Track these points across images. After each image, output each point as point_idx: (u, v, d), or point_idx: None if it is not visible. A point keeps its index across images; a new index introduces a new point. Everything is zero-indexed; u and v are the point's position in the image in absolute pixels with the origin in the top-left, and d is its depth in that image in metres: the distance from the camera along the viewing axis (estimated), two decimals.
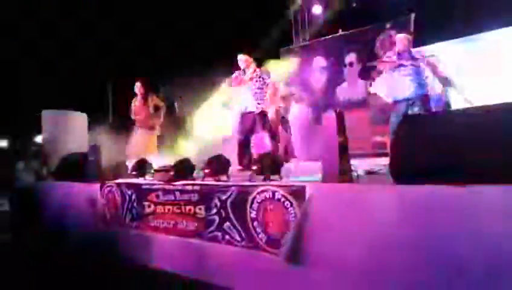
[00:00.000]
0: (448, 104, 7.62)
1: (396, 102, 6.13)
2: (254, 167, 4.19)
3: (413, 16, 9.72)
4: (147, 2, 12.63)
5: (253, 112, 6.80)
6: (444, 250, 2.49)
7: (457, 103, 7.48)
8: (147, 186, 4.73)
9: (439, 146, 2.61)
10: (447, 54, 8.12)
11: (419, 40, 9.08)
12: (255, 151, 6.80)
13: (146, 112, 8.24)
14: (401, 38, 6.31)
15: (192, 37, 12.71)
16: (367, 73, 10.25)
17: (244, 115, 6.90)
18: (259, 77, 6.88)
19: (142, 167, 5.60)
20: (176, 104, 11.50)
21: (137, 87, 8.25)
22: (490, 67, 7.63)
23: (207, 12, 12.79)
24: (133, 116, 8.39)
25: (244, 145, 6.86)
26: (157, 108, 8.33)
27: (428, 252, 2.56)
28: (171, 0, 12.54)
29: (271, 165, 4.11)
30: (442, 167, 2.51)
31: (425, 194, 2.60)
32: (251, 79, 6.79)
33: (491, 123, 2.50)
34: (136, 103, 8.33)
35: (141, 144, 8.03)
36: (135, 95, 8.31)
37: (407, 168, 2.76)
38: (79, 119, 8.52)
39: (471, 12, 8.05)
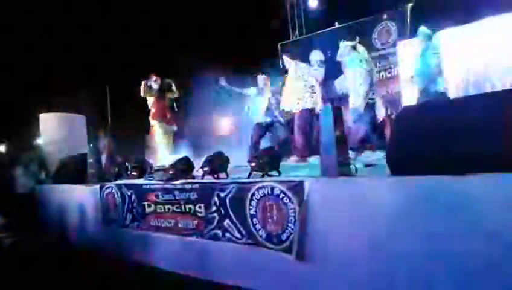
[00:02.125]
0: None
1: None
2: (253, 163, 4.17)
3: (410, 6, 9.67)
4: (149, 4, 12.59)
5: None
6: (445, 240, 2.48)
7: None
8: (147, 187, 4.72)
9: (435, 136, 2.59)
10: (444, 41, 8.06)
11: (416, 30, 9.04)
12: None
13: (163, 105, 7.69)
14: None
15: (190, 36, 12.65)
16: None
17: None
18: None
19: (141, 167, 5.59)
20: (174, 103, 11.47)
21: (153, 80, 7.66)
22: (488, 53, 7.53)
23: (203, 11, 12.73)
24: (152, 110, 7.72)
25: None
26: (171, 101, 7.82)
27: (429, 242, 2.55)
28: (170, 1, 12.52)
29: (270, 161, 4.09)
30: (439, 157, 2.50)
31: (423, 185, 2.59)
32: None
33: (488, 111, 2.48)
34: (152, 97, 7.69)
35: (161, 139, 7.54)
36: (150, 88, 7.65)
37: (403, 160, 2.74)
38: (78, 122, 8.52)
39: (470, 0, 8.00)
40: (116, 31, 12.69)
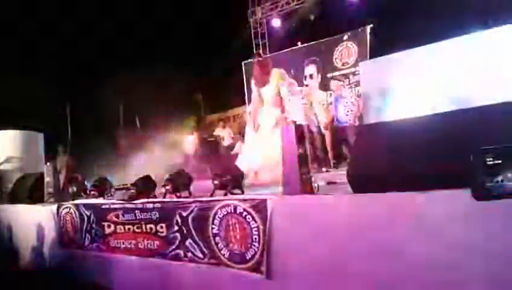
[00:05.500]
0: None
1: None
2: (216, 182, 4.13)
3: (369, 27, 9.96)
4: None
5: None
6: (403, 256, 2.52)
7: None
8: (107, 206, 4.60)
9: (394, 154, 2.66)
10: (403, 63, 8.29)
11: (377, 50, 9.32)
12: None
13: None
14: None
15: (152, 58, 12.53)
16: (326, 84, 10.38)
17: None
18: None
19: (101, 186, 5.45)
20: (137, 119, 11.35)
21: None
22: (449, 74, 7.75)
23: (166, 29, 12.69)
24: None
25: None
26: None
27: (389, 259, 2.59)
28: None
29: (232, 179, 4.07)
30: (398, 174, 2.55)
31: (383, 202, 2.64)
32: None
33: (443, 131, 2.56)
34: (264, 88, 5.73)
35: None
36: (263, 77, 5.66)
37: (364, 177, 2.79)
38: (35, 139, 8.25)
39: (429, 21, 8.33)
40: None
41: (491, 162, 1.71)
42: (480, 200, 2.03)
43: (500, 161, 1.61)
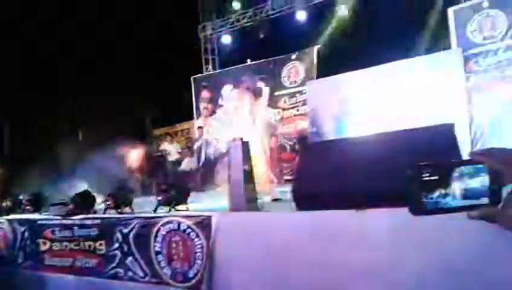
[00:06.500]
0: None
1: None
2: (159, 197, 4.04)
3: (316, 47, 10.20)
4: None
5: None
6: (345, 271, 2.55)
7: None
8: (42, 222, 4.38)
9: (336, 173, 2.70)
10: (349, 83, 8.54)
11: (324, 71, 9.54)
12: None
13: None
14: None
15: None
16: (274, 102, 10.48)
17: None
18: None
19: (37, 201, 5.19)
20: (79, 132, 10.95)
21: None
22: (388, 96, 8.05)
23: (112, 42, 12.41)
24: None
25: None
26: None
27: (330, 274, 2.61)
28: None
29: (177, 195, 4.00)
30: (340, 192, 2.59)
31: (325, 219, 2.66)
32: None
33: (384, 150, 2.64)
34: None
35: None
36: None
37: (308, 195, 2.81)
38: None
39: (374, 44, 8.65)
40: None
41: (427, 178, 1.73)
42: (417, 215, 2.07)
43: (436, 177, 1.63)
